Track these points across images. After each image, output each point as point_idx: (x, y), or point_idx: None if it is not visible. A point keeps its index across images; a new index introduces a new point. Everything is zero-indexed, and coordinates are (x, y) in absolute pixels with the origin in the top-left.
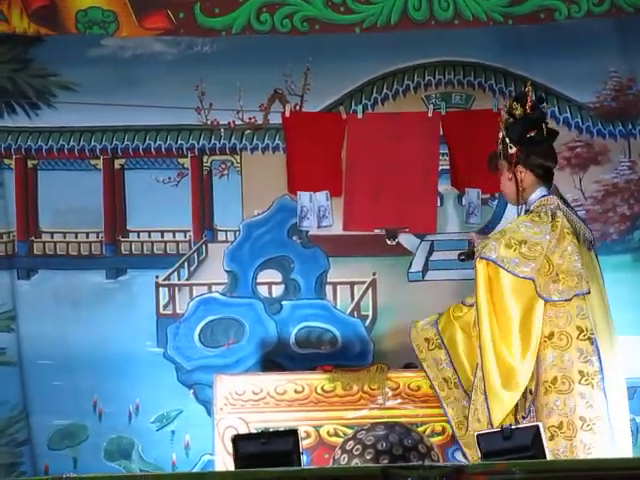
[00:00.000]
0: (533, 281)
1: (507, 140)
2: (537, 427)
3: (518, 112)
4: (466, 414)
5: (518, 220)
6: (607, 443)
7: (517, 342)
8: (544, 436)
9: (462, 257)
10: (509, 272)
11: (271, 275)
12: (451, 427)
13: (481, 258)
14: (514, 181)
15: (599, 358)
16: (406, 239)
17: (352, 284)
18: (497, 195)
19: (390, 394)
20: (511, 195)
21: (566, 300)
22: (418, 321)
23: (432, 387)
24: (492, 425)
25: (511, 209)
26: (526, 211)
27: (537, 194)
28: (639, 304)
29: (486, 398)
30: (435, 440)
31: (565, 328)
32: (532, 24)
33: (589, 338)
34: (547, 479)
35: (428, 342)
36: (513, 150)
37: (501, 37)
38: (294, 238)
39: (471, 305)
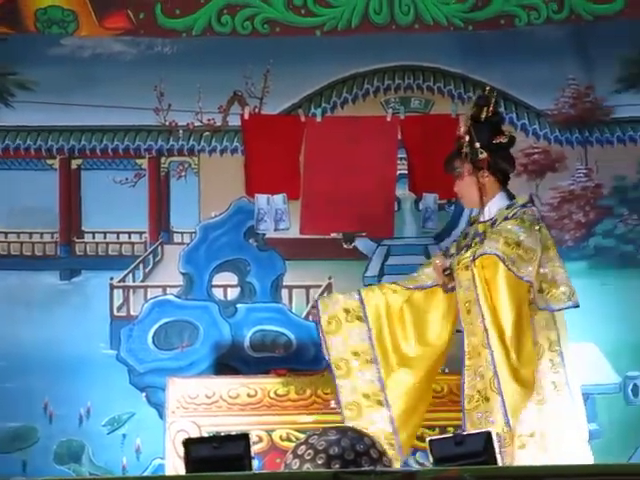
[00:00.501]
0: (531, 285)
1: (477, 145)
2: (489, 433)
3: (483, 115)
4: (365, 392)
5: (508, 223)
6: (579, 453)
7: (522, 346)
8: (496, 442)
9: (448, 289)
10: (509, 269)
11: (227, 278)
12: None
13: (482, 255)
14: (476, 185)
15: (565, 370)
16: (363, 243)
17: (308, 288)
18: (454, 200)
19: None
20: (472, 199)
21: (555, 310)
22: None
23: (329, 367)
24: (509, 425)
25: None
26: (492, 221)
27: (497, 199)
28: (594, 311)
29: (503, 402)
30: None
31: (537, 338)
32: (492, 30)
33: (556, 350)
34: None
35: (347, 313)
36: (484, 155)
37: (461, 42)
38: (251, 241)
39: (411, 288)
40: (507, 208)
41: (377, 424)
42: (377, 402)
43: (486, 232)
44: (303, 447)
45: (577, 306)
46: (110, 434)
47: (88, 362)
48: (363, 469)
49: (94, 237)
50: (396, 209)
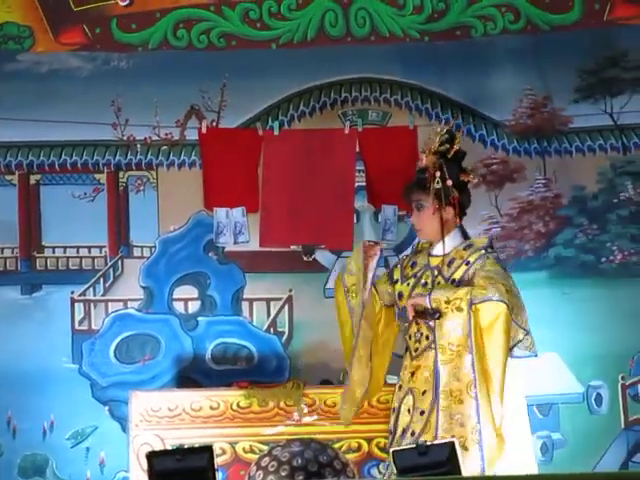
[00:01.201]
0: (527, 334)
1: (449, 182)
2: (452, 443)
3: (451, 153)
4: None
5: (491, 268)
6: None
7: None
8: (459, 452)
9: (437, 317)
10: (514, 320)
11: (187, 291)
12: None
13: (486, 301)
14: (439, 220)
15: (478, 416)
16: (322, 255)
17: (268, 300)
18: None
19: (306, 410)
20: (431, 233)
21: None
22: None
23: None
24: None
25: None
26: (449, 259)
27: (453, 235)
28: (554, 321)
29: (482, 455)
30: (351, 457)
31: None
32: (448, 41)
33: (471, 393)
34: None
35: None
36: (455, 194)
37: (418, 54)
38: (210, 254)
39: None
40: (465, 248)
41: None
42: None
43: (464, 274)
44: (267, 459)
45: (536, 356)
46: (74, 448)
47: (51, 376)
48: None
49: (54, 252)
50: (355, 221)
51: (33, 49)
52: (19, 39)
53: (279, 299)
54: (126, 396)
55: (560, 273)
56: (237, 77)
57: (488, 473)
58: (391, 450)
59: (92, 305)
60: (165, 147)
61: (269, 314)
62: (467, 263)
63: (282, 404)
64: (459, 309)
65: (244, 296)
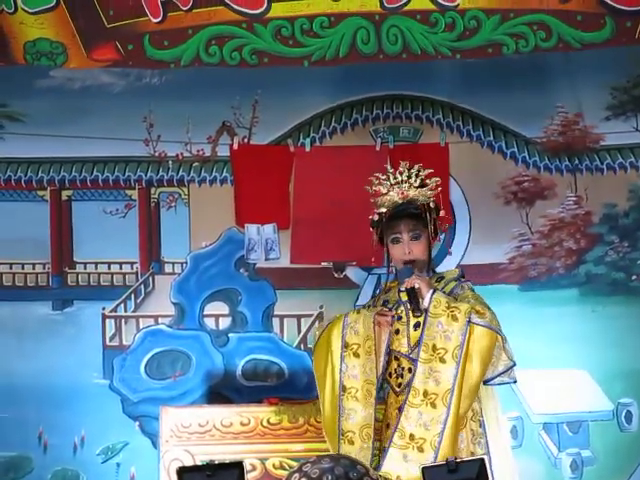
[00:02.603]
0: (514, 365)
1: (442, 214)
2: (482, 460)
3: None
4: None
5: (476, 295)
6: None
7: None
8: (489, 469)
9: (417, 314)
10: (505, 348)
11: (218, 307)
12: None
13: (485, 327)
14: (429, 250)
15: (486, 440)
16: (353, 272)
17: (299, 317)
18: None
19: None
20: (423, 264)
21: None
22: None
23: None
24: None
25: None
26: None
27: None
28: (584, 338)
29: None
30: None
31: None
32: (480, 58)
33: (478, 420)
34: None
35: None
36: (446, 226)
37: (449, 71)
38: (241, 270)
39: None
40: (437, 281)
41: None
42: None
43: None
44: (297, 475)
45: (515, 382)
46: (104, 463)
47: (81, 392)
48: None
49: (86, 267)
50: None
51: (66, 65)
52: (52, 55)
53: (310, 315)
54: (157, 412)
55: (590, 290)
56: (269, 94)
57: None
58: (421, 467)
59: (123, 321)
60: (197, 163)
61: (300, 330)
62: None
63: (312, 420)
64: (455, 318)
65: (275, 312)
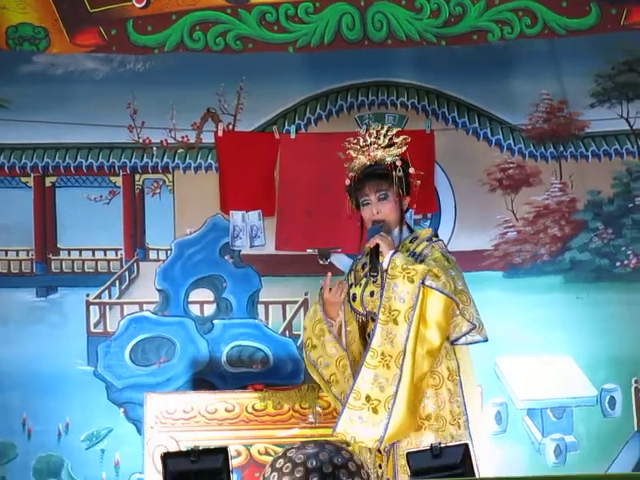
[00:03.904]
0: (474, 328)
1: (412, 170)
2: (466, 445)
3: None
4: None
5: (442, 257)
6: None
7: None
8: (474, 454)
9: (374, 274)
10: (463, 315)
11: (203, 294)
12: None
13: (438, 291)
14: (399, 211)
15: (463, 399)
16: (338, 259)
17: (284, 303)
18: (430, 216)
19: (321, 413)
20: (395, 223)
21: (465, 344)
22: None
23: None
24: (380, 443)
25: None
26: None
27: (404, 227)
28: (568, 324)
29: (387, 425)
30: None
31: (437, 368)
32: (465, 45)
33: (455, 379)
34: None
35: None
36: (418, 182)
37: (434, 58)
38: (226, 257)
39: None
40: (411, 241)
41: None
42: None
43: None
44: (281, 460)
45: (486, 340)
46: (89, 449)
47: (66, 378)
48: None
49: (70, 254)
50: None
51: (48, 50)
52: (34, 40)
53: (295, 302)
54: (141, 398)
55: (575, 277)
56: (254, 80)
57: (386, 440)
58: (405, 452)
59: (107, 308)
60: (181, 150)
61: (285, 317)
62: (413, 254)
63: (297, 407)
64: (410, 280)
65: (260, 299)
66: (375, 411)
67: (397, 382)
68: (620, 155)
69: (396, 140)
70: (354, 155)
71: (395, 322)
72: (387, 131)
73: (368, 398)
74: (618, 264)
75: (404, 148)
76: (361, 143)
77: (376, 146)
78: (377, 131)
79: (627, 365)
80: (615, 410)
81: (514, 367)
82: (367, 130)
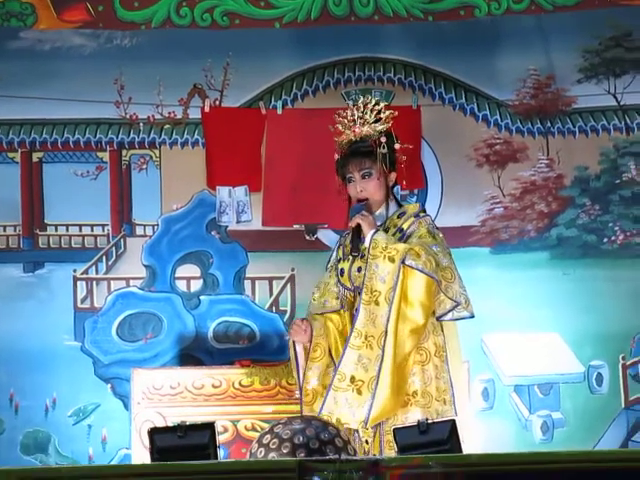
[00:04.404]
0: (457, 305)
1: (397, 147)
2: (453, 422)
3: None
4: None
5: (427, 234)
6: None
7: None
8: (460, 431)
9: (354, 253)
10: (444, 293)
11: (189, 270)
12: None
13: (417, 270)
14: (384, 188)
15: (449, 375)
16: (325, 235)
17: (271, 279)
18: (416, 192)
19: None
20: (380, 200)
21: (452, 320)
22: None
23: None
24: (366, 425)
25: None
26: (383, 228)
27: (392, 202)
28: (555, 301)
29: (371, 406)
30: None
31: (423, 344)
32: (452, 21)
33: (442, 355)
34: (463, 473)
35: (327, 346)
36: (403, 158)
37: (421, 34)
38: (213, 233)
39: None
40: (399, 216)
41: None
42: None
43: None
44: (268, 436)
45: (472, 316)
46: (76, 425)
47: (53, 354)
48: (328, 458)
49: (57, 230)
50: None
51: (35, 26)
52: (21, 16)
53: (281, 278)
54: (128, 374)
55: (562, 253)
56: (240, 56)
57: (371, 422)
58: (392, 428)
59: (94, 283)
60: (168, 126)
61: (271, 293)
62: (400, 230)
63: (284, 382)
64: (391, 260)
65: (246, 275)
66: (359, 392)
67: (379, 363)
68: (607, 131)
69: (382, 115)
70: (342, 130)
71: (377, 303)
72: (375, 105)
73: (353, 379)
74: (605, 240)
75: (390, 123)
76: (349, 117)
77: (362, 121)
78: (365, 105)
79: (614, 342)
80: (602, 387)
81: (501, 344)
82: (355, 104)
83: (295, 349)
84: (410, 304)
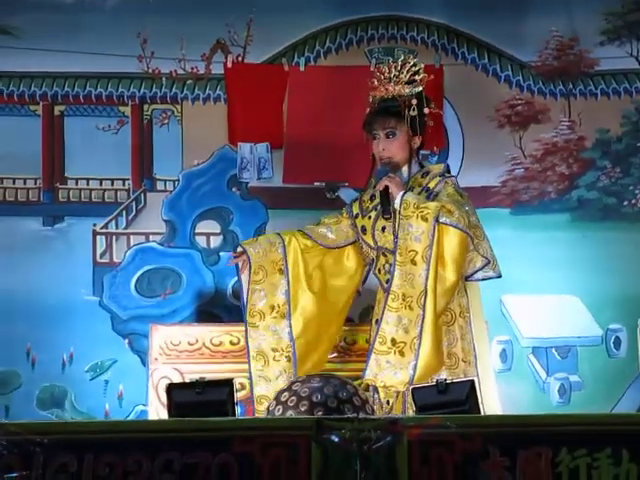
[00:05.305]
0: (487, 264)
1: (427, 111)
2: (472, 382)
3: (423, 85)
4: (274, 347)
5: (455, 193)
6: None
7: None
8: (479, 391)
9: (387, 216)
10: (476, 249)
11: (209, 226)
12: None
13: (452, 226)
14: (409, 149)
15: (471, 336)
16: (345, 193)
17: None
18: (437, 151)
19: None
20: (402, 161)
21: (479, 280)
22: (256, 239)
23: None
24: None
25: None
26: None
27: (414, 163)
28: (575, 263)
29: (416, 365)
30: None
31: (449, 305)
32: None
33: (466, 316)
34: (480, 434)
35: (273, 265)
36: (431, 122)
37: None
38: (233, 189)
39: (326, 246)
40: (423, 175)
41: (281, 377)
42: (286, 357)
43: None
44: (286, 394)
45: (500, 276)
46: (93, 380)
47: (71, 308)
48: (346, 416)
49: (77, 183)
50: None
51: None
52: None
53: None
54: (146, 330)
55: (582, 215)
56: (264, 12)
57: (416, 382)
58: (410, 387)
59: (114, 238)
60: (190, 81)
61: None
62: (426, 190)
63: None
64: (424, 219)
65: (266, 232)
66: (402, 354)
67: (421, 322)
68: (629, 94)
69: (416, 77)
70: (377, 85)
71: (413, 262)
72: (412, 65)
73: (394, 341)
74: (625, 203)
75: (423, 86)
76: (385, 74)
77: (397, 80)
78: (403, 64)
79: (633, 305)
80: (620, 350)
81: (520, 305)
82: (395, 62)
83: (238, 272)
84: (444, 262)
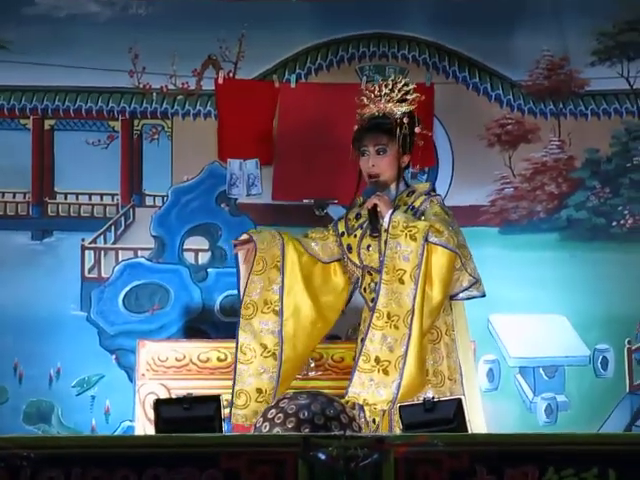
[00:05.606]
0: (475, 282)
1: (417, 130)
2: (459, 400)
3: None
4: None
5: (441, 212)
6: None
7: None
8: (466, 409)
9: (375, 234)
10: (466, 270)
11: (198, 242)
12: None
13: (441, 246)
14: (397, 167)
15: (457, 354)
16: (334, 210)
17: None
18: (427, 170)
19: (313, 365)
20: (390, 178)
21: (464, 299)
22: (259, 230)
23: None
24: (393, 405)
25: None
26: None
27: (401, 182)
28: (563, 283)
29: (399, 385)
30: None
31: (435, 323)
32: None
33: (451, 334)
34: (468, 452)
35: (273, 259)
36: (421, 143)
37: (437, 11)
38: (222, 205)
39: (315, 256)
40: (408, 195)
41: (265, 374)
42: (272, 355)
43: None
44: (273, 411)
45: (484, 295)
46: (79, 395)
47: (58, 323)
48: (333, 433)
49: (66, 198)
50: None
51: None
52: None
53: None
54: (133, 345)
55: (571, 235)
56: (255, 28)
57: (399, 401)
58: (398, 405)
59: (102, 253)
60: (181, 96)
61: None
62: (412, 208)
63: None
64: (413, 238)
65: None
66: (386, 372)
67: (407, 341)
68: (619, 114)
69: (408, 97)
70: (366, 103)
71: (401, 281)
72: (404, 85)
73: (377, 360)
74: (614, 223)
75: (414, 106)
76: (376, 92)
77: (388, 98)
78: (394, 83)
79: (620, 325)
80: (607, 370)
81: (507, 324)
82: (385, 80)
83: (238, 262)
84: (431, 282)
